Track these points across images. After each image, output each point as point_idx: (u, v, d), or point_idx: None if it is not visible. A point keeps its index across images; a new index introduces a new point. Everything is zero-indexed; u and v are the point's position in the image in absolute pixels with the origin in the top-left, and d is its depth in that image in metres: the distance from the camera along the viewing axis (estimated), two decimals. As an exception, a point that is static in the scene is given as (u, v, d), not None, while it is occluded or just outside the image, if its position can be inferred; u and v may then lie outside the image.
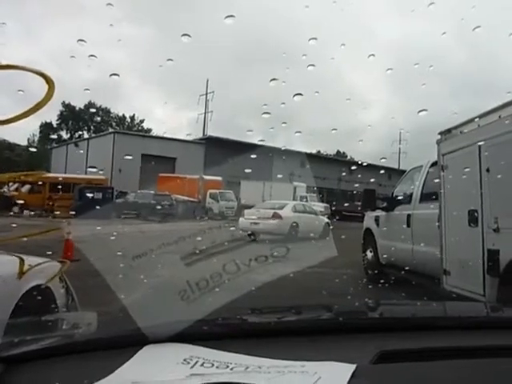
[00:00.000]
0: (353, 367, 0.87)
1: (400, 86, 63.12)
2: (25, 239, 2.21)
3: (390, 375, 0.91)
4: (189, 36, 2.16)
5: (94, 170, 30.83)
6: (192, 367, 0.93)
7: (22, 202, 23.33)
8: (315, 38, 2.69)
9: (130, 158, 31.06)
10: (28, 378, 0.95)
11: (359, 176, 32.03)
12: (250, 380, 0.83)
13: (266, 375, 0.87)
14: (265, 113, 2.50)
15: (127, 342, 1.07)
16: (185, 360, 0.96)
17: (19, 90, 2.10)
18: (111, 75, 2.50)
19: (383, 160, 38.36)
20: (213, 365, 0.94)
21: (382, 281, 6.77)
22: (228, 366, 0.93)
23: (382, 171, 29.71)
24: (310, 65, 2.87)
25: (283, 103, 2.92)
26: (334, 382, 0.81)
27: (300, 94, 2.33)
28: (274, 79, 2.40)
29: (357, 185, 30.17)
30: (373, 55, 3.70)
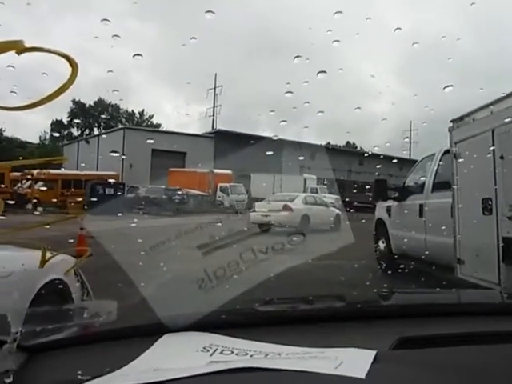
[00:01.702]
0: (373, 353, 0.87)
1: (415, 70, 62.02)
2: (41, 235, 2.25)
3: (410, 361, 0.91)
4: (213, 13, 2.10)
5: (117, 154, 31.36)
6: (212, 355, 0.94)
7: (35, 199, 23.56)
8: (340, 12, 2.57)
9: (148, 140, 31.54)
10: (50, 366, 0.96)
11: (370, 168, 31.75)
12: (271, 365, 0.83)
13: (286, 361, 0.87)
14: (288, 92, 2.44)
15: (147, 330, 1.08)
16: (204, 348, 0.97)
17: (43, 73, 2.11)
18: (134, 55, 2.44)
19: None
20: (232, 352, 0.94)
21: (394, 271, 6.74)
22: (247, 353, 0.93)
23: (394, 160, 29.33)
24: (334, 40, 2.75)
25: (303, 78, 2.79)
26: (356, 367, 0.80)
27: (324, 72, 2.24)
28: (298, 56, 2.30)
29: (367, 175, 29.91)
30: (399, 29, 3.59)
